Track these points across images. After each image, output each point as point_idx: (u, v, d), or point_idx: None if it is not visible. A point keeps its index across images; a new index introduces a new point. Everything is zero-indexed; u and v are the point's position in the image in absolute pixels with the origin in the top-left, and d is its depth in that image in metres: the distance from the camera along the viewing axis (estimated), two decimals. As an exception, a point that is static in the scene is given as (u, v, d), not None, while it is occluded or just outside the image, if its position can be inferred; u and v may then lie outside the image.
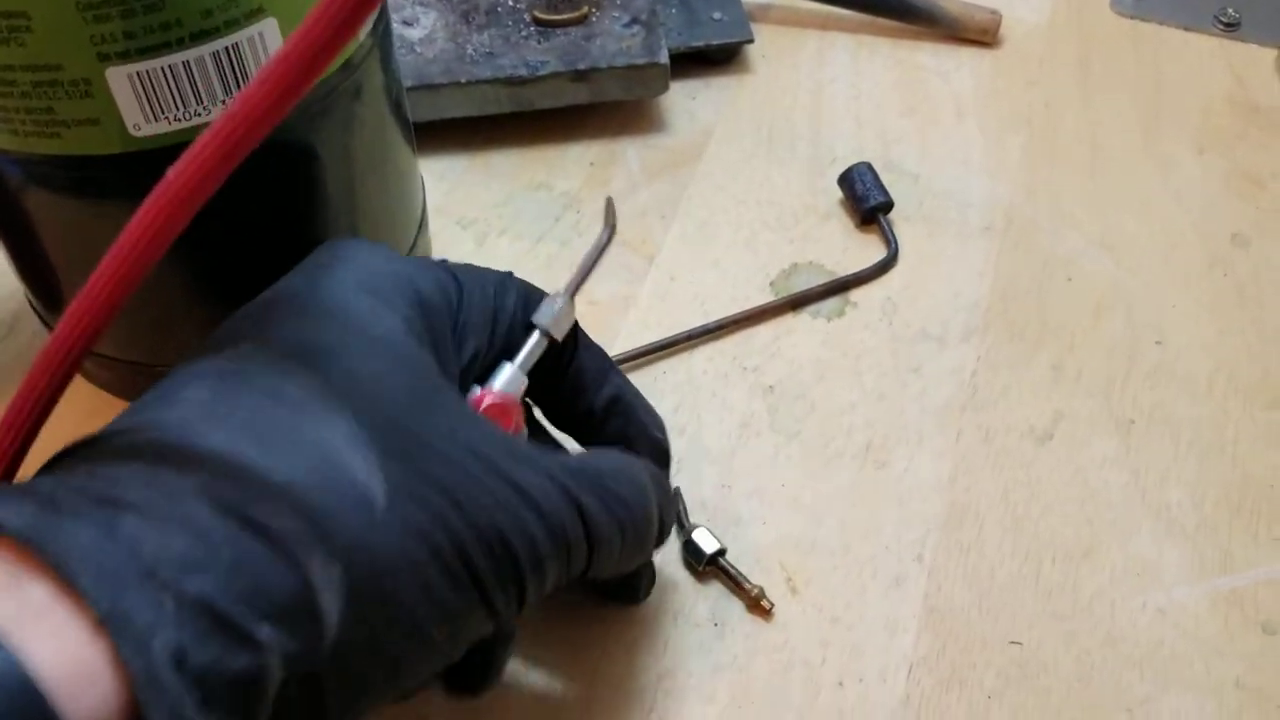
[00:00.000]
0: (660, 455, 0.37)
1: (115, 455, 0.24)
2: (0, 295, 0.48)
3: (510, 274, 0.35)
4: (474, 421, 0.29)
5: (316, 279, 0.30)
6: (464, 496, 0.27)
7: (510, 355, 0.33)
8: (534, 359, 0.34)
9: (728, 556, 0.39)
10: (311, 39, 0.21)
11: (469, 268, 0.34)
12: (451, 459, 0.27)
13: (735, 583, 0.39)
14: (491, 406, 0.32)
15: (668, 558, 0.40)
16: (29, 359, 0.45)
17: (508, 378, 0.33)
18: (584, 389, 0.36)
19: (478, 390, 0.32)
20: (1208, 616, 0.39)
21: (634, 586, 0.37)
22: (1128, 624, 0.38)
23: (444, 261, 0.34)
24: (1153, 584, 0.40)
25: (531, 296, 0.35)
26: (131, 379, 0.42)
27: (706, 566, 0.39)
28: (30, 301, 0.43)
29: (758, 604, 0.38)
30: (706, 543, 0.39)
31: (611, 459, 0.32)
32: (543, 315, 0.34)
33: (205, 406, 0.25)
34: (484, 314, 0.33)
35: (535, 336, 0.34)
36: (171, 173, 0.23)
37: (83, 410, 0.44)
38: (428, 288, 0.31)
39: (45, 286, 0.40)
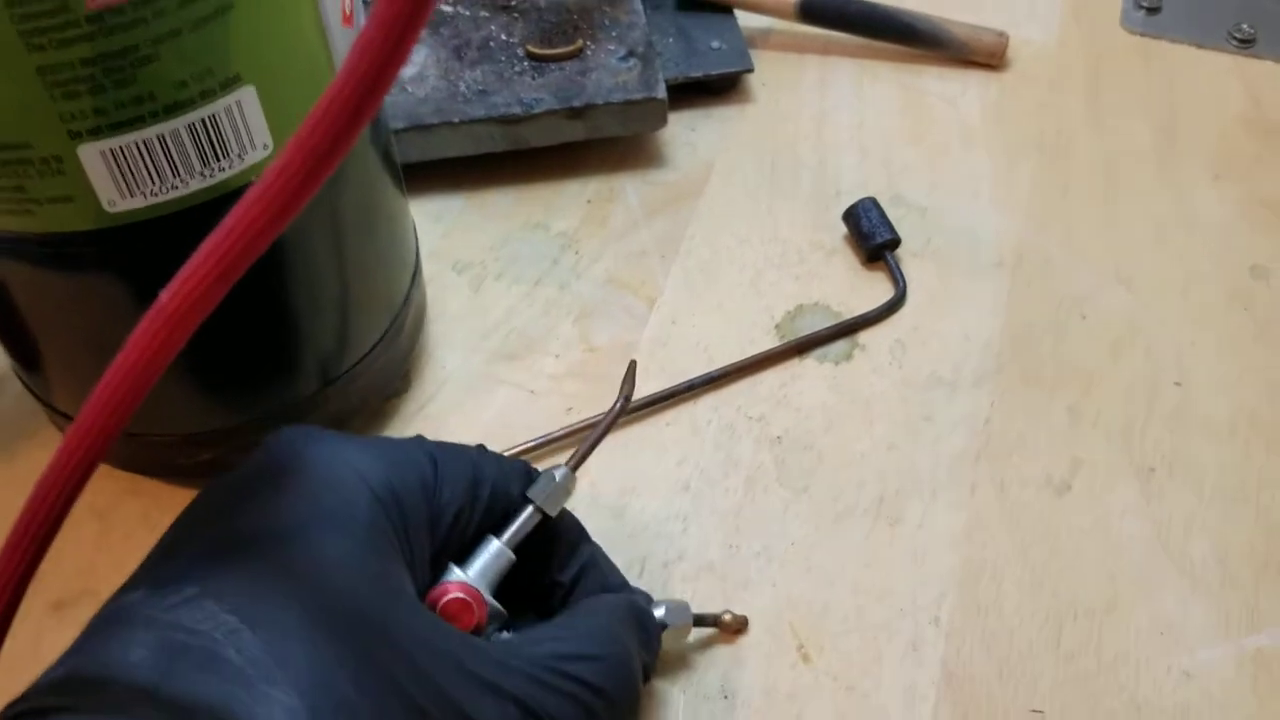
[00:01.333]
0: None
1: None
2: (-16, 353, 0.47)
3: (481, 446, 0.34)
4: (428, 639, 0.28)
5: (297, 475, 0.29)
6: None
7: (499, 529, 0.33)
8: (523, 533, 0.33)
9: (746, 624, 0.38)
10: (311, 145, 0.20)
11: (443, 444, 0.33)
12: (400, 688, 0.26)
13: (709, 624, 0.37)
14: (452, 602, 0.31)
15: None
16: (12, 421, 0.45)
17: (487, 560, 0.32)
18: (553, 557, 0.35)
19: (451, 574, 0.31)
20: (1234, 679, 0.37)
21: None
22: (1152, 689, 0.37)
23: (418, 440, 0.33)
24: (1177, 644, 0.38)
25: (503, 463, 0.34)
26: (118, 447, 0.40)
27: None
28: (13, 366, 0.42)
29: (728, 627, 0.38)
30: (656, 609, 0.36)
31: (579, 628, 0.31)
32: (539, 490, 0.33)
33: (142, 674, 0.25)
34: (463, 486, 0.32)
35: (528, 511, 0.33)
36: (164, 295, 0.21)
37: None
38: (402, 476, 0.31)
39: (26, 355, 0.38)
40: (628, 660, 0.31)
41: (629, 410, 0.44)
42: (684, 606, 0.36)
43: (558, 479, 0.33)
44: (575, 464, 0.34)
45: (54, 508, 0.23)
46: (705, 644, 0.38)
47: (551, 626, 0.31)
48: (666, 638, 0.36)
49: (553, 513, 0.33)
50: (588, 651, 0.30)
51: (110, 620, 0.27)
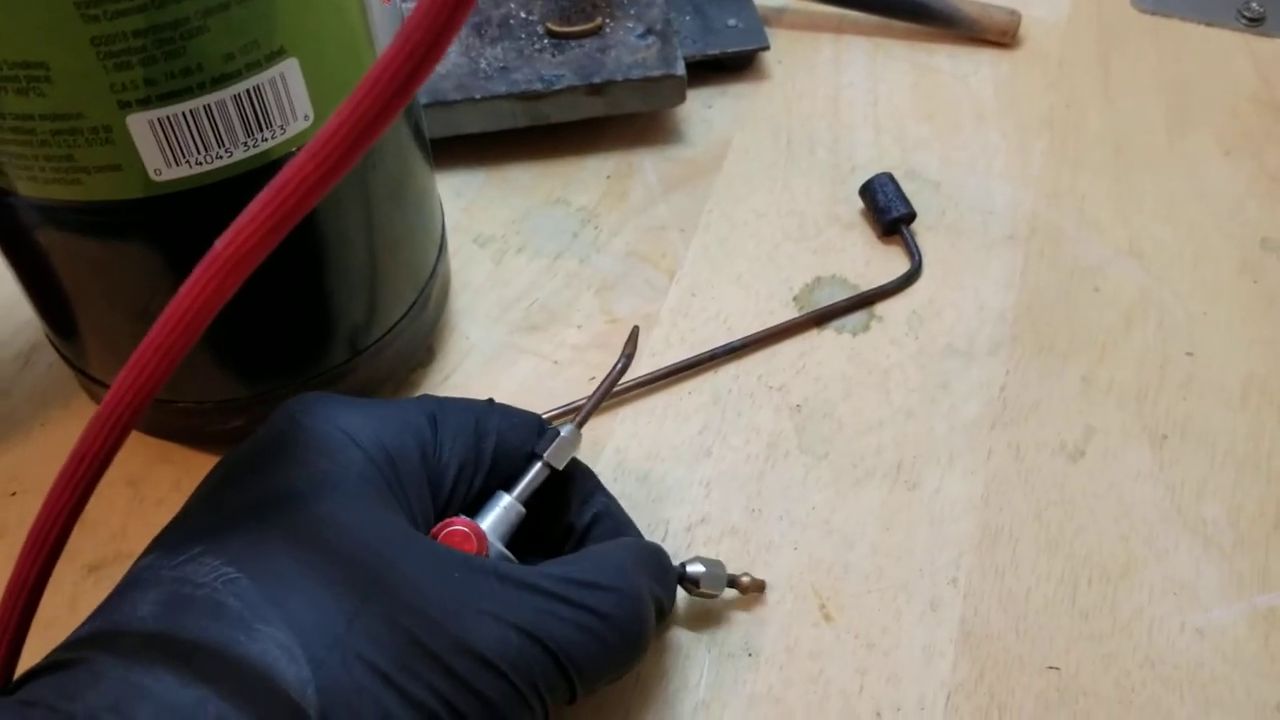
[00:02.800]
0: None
1: (68, 689, 0.26)
2: (17, 325, 0.48)
3: (491, 400, 0.36)
4: (424, 572, 0.29)
5: (292, 440, 0.31)
6: (408, 679, 0.27)
7: (509, 485, 0.34)
8: (533, 488, 0.34)
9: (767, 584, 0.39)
10: (366, 106, 0.20)
11: (446, 400, 0.35)
12: (395, 621, 0.27)
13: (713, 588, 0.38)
14: (453, 533, 0.32)
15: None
16: (46, 389, 0.46)
17: (497, 514, 0.33)
18: (567, 507, 0.36)
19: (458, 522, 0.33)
20: (1247, 637, 0.38)
21: None
22: (1166, 646, 0.38)
23: (421, 400, 0.34)
24: (1190, 604, 0.39)
25: (511, 416, 0.35)
26: (151, 413, 0.41)
27: (689, 584, 0.38)
28: (48, 335, 0.43)
29: (746, 589, 0.38)
30: (693, 566, 0.37)
31: (591, 559, 0.32)
32: (545, 445, 0.35)
33: (150, 627, 0.27)
34: (465, 441, 0.33)
35: (537, 466, 0.34)
36: (220, 243, 0.22)
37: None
38: (396, 436, 0.32)
39: (64, 323, 0.39)
40: (640, 596, 0.32)
41: (654, 379, 0.45)
42: (719, 566, 0.38)
43: (563, 434, 0.35)
44: (581, 420, 0.36)
45: (106, 444, 0.24)
46: (729, 604, 0.39)
47: (563, 559, 0.32)
48: (700, 595, 0.37)
49: (559, 466, 0.35)
50: (599, 580, 0.31)
51: (126, 584, 0.29)
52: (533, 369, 0.46)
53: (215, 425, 0.41)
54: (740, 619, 0.39)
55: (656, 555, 0.35)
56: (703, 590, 0.37)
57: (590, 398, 0.37)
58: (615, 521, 0.36)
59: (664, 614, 0.34)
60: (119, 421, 0.26)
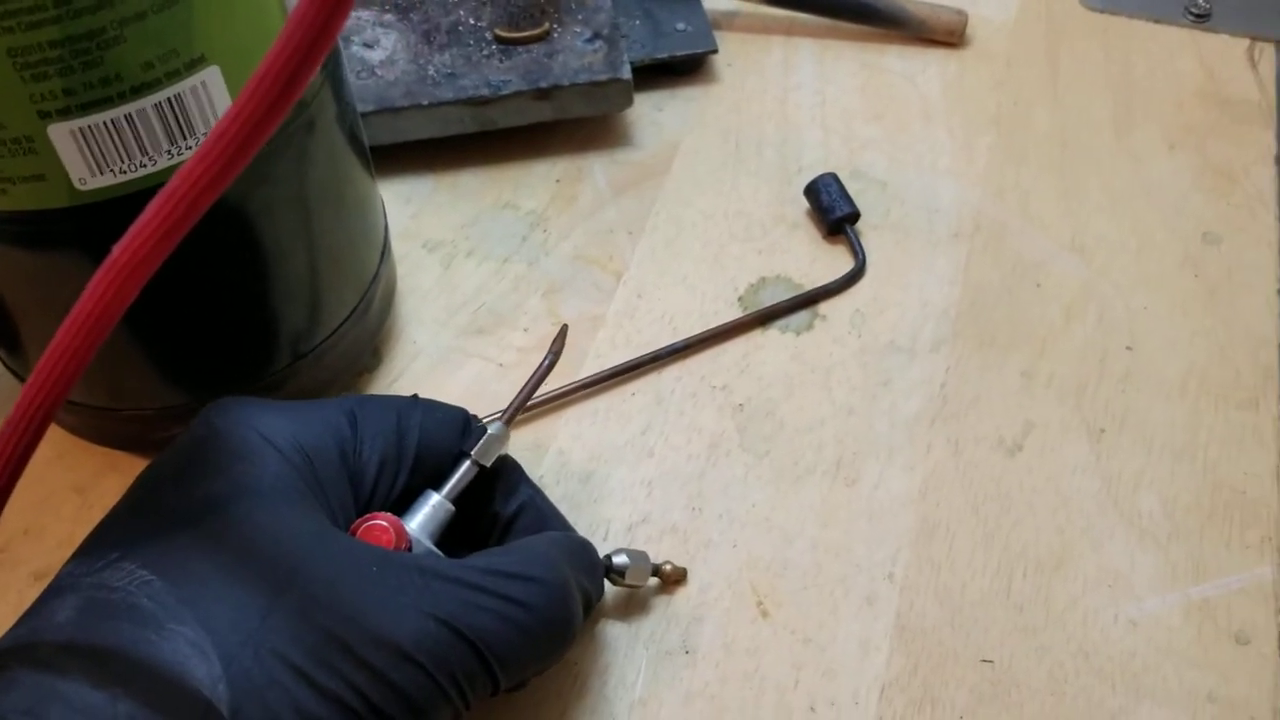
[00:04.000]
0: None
1: None
2: (-33, 336, 0.48)
3: (415, 396, 0.36)
4: (341, 567, 0.29)
5: (207, 444, 0.32)
6: (322, 672, 0.27)
7: (438, 483, 0.34)
8: (461, 486, 0.35)
9: (700, 578, 0.39)
10: (250, 110, 0.21)
11: (367, 398, 0.35)
12: (310, 617, 0.28)
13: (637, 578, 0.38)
14: (372, 528, 0.32)
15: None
16: (-2, 398, 0.46)
17: (427, 512, 0.34)
18: (492, 498, 0.36)
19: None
20: (1180, 627, 0.39)
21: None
22: (1100, 636, 0.39)
23: (342, 399, 0.35)
24: (1124, 595, 0.40)
25: (434, 411, 0.35)
26: (96, 422, 0.42)
27: (614, 575, 0.38)
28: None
29: (668, 578, 0.39)
30: (617, 557, 0.38)
31: (516, 551, 0.32)
32: (473, 443, 0.35)
33: (66, 632, 0.27)
34: (387, 439, 0.34)
35: (465, 465, 0.35)
36: (116, 249, 0.23)
37: (53, 452, 0.44)
38: (314, 435, 0.32)
39: (3, 332, 0.40)
40: (565, 586, 0.32)
41: (598, 381, 0.45)
42: (644, 557, 0.38)
43: (491, 432, 0.35)
44: (508, 417, 0.37)
45: (13, 455, 0.25)
46: (667, 601, 0.39)
47: (488, 552, 0.32)
48: (625, 586, 0.38)
49: (488, 464, 0.35)
50: (523, 571, 0.31)
51: (48, 592, 0.29)
52: (478, 372, 0.46)
53: (159, 432, 0.41)
54: (678, 616, 0.39)
55: (583, 547, 0.35)
56: (628, 581, 0.38)
57: (518, 395, 0.37)
58: (539, 512, 0.36)
59: (591, 606, 0.35)
60: (28, 429, 0.26)
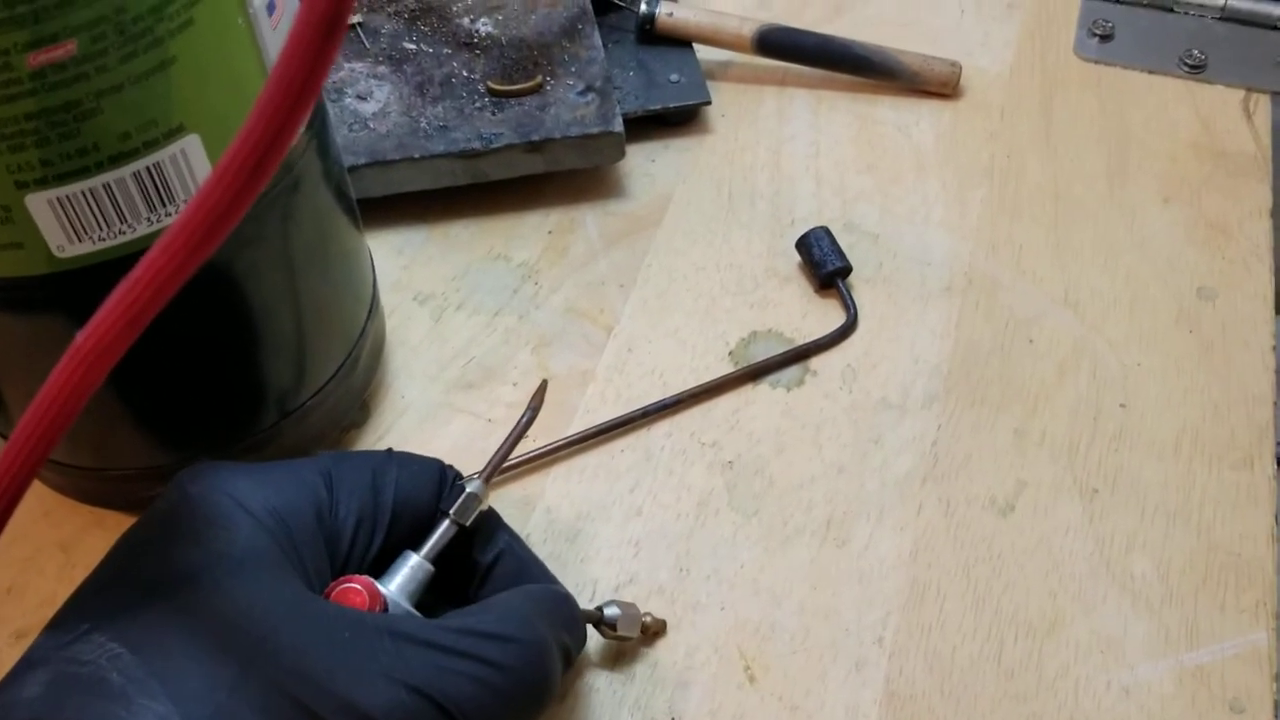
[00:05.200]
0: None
1: None
2: (-45, 390, 0.48)
3: (390, 450, 0.36)
4: (313, 636, 0.29)
5: (179, 511, 0.31)
6: None
7: (416, 542, 0.34)
8: (440, 545, 0.34)
9: (688, 641, 0.39)
10: (211, 203, 0.21)
11: (343, 456, 0.35)
12: (281, 688, 0.28)
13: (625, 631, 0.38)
14: (345, 590, 0.32)
15: (626, 650, 0.39)
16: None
17: (406, 573, 0.33)
18: (470, 547, 0.36)
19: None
20: (1174, 695, 0.38)
21: None
22: (1092, 706, 0.38)
23: (318, 458, 0.35)
24: (1117, 661, 0.39)
25: (409, 465, 0.35)
26: (81, 482, 0.41)
27: (605, 628, 0.38)
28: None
29: (647, 629, 0.39)
30: (609, 609, 0.38)
31: (494, 609, 0.32)
32: (451, 502, 0.35)
33: (36, 708, 0.27)
34: (362, 496, 0.34)
35: (444, 525, 0.35)
36: (80, 336, 0.23)
37: (39, 510, 0.44)
38: (288, 498, 0.32)
39: (-12, 393, 0.39)
40: (542, 645, 0.31)
41: (586, 437, 0.45)
42: (634, 608, 0.38)
43: (469, 490, 0.35)
44: (487, 475, 0.36)
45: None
46: (652, 665, 0.39)
47: (464, 611, 0.32)
48: (615, 638, 0.38)
49: (466, 523, 0.35)
50: (498, 631, 0.31)
51: (20, 664, 0.29)
52: (467, 428, 0.46)
53: (145, 491, 0.41)
54: (664, 681, 0.39)
55: (563, 601, 0.35)
56: (619, 633, 0.38)
57: (497, 451, 0.37)
58: (518, 559, 0.36)
59: (571, 660, 0.34)
60: (7, 491, 0.26)
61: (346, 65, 0.55)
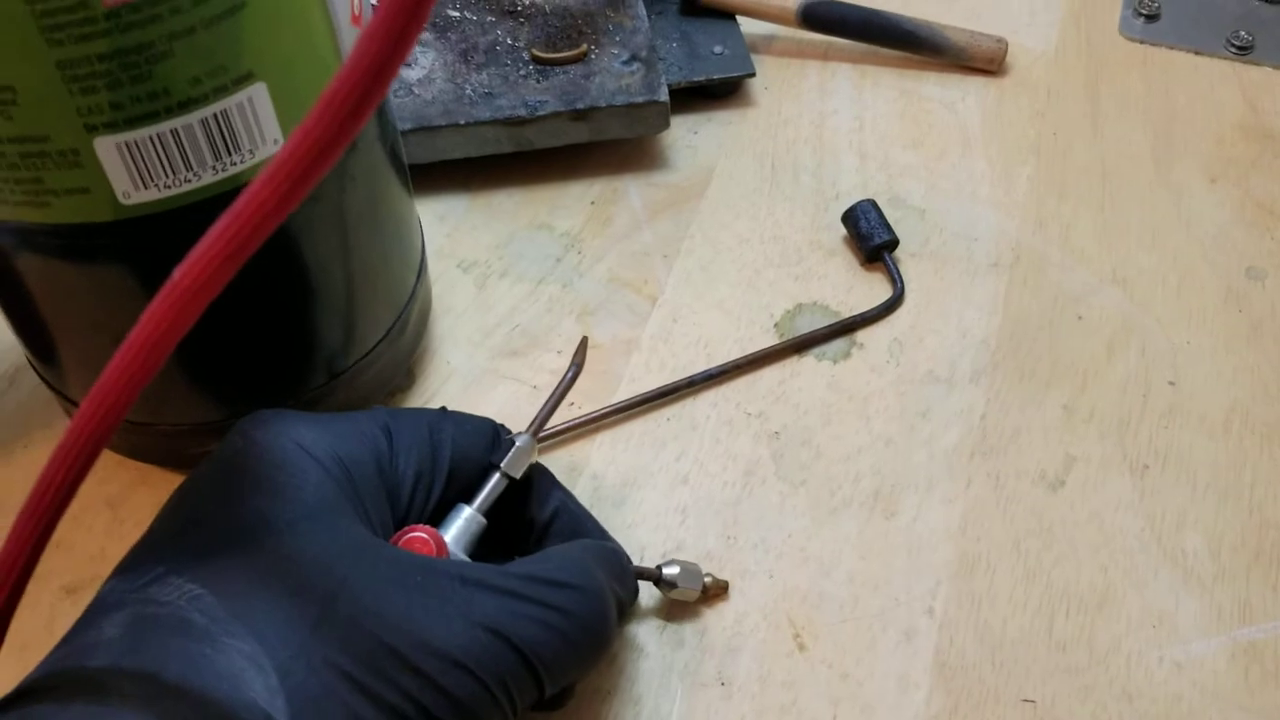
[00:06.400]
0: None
1: (39, 718, 0.26)
2: (2, 349, 0.48)
3: (444, 408, 0.36)
4: (389, 578, 0.29)
5: (247, 456, 0.31)
6: (375, 680, 0.27)
7: (469, 495, 0.34)
8: (493, 498, 0.35)
9: (736, 608, 0.39)
10: (318, 132, 0.21)
11: (398, 411, 0.35)
12: (361, 627, 0.27)
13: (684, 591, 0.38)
14: (413, 540, 0.32)
15: (675, 613, 0.39)
16: (30, 411, 0.46)
17: (460, 525, 0.34)
18: (526, 501, 0.36)
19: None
20: (1226, 671, 0.38)
21: (554, 696, 0.35)
22: (1144, 679, 0.38)
23: (374, 412, 0.35)
24: (1169, 636, 0.39)
25: (464, 423, 0.36)
26: (131, 437, 0.41)
27: (665, 586, 0.38)
28: (28, 357, 0.43)
29: (708, 591, 0.39)
30: (669, 568, 0.38)
31: (553, 558, 0.32)
32: (502, 456, 0.35)
33: (117, 649, 0.27)
34: (421, 451, 0.34)
35: (495, 477, 0.35)
36: (178, 272, 0.22)
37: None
38: (351, 448, 0.32)
39: (42, 346, 0.39)
40: (602, 594, 0.32)
41: (632, 405, 0.45)
42: (695, 566, 0.38)
43: (519, 444, 0.35)
44: (535, 429, 0.37)
45: (70, 474, 0.24)
46: (702, 632, 0.39)
47: (525, 560, 0.32)
48: (677, 597, 0.38)
49: (517, 475, 0.35)
50: (561, 578, 0.31)
51: (92, 609, 0.29)
52: (512, 394, 0.46)
53: (193, 448, 0.41)
54: (714, 648, 0.38)
55: (615, 554, 0.35)
56: (680, 590, 0.38)
57: (543, 406, 0.37)
58: (573, 516, 0.36)
59: (624, 612, 0.34)
60: (82, 451, 0.26)
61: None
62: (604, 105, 0.52)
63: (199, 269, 0.22)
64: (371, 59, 0.19)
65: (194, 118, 0.31)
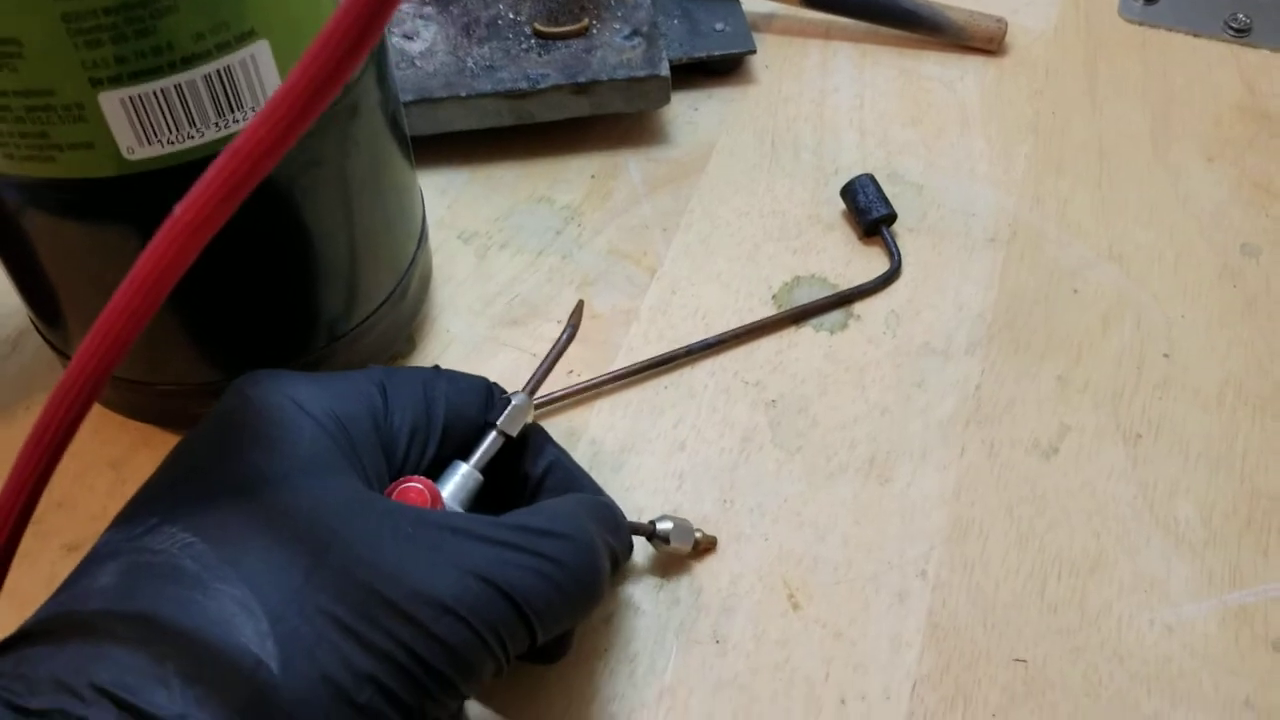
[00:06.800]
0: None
1: (31, 658, 0.26)
2: (2, 314, 0.48)
3: (437, 366, 0.37)
4: (381, 527, 0.29)
5: (243, 413, 0.32)
6: (367, 627, 0.27)
7: (465, 453, 0.35)
8: (489, 456, 0.35)
9: (731, 569, 0.39)
10: (314, 71, 0.21)
11: (393, 370, 0.36)
12: (353, 575, 0.28)
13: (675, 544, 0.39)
14: (408, 490, 0.32)
15: (671, 573, 0.39)
16: (33, 374, 0.46)
17: (457, 481, 0.34)
18: (521, 457, 0.37)
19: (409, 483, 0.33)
20: (1216, 634, 0.38)
21: (551, 647, 0.35)
22: (1135, 641, 0.38)
23: (369, 370, 0.35)
24: (1161, 600, 0.39)
25: (458, 380, 0.36)
26: (133, 397, 0.42)
27: (658, 540, 0.39)
28: (33, 320, 0.44)
29: (698, 546, 0.39)
30: (662, 524, 0.39)
31: (545, 510, 0.32)
32: (498, 414, 0.36)
33: (111, 595, 0.27)
34: (416, 408, 0.34)
35: (491, 435, 0.35)
36: (179, 208, 0.23)
37: (88, 427, 0.44)
38: (346, 405, 0.33)
39: (46, 305, 0.40)
40: (594, 545, 0.32)
41: (631, 373, 0.45)
42: (686, 522, 0.39)
43: (515, 402, 0.36)
44: (531, 389, 0.37)
45: (71, 411, 0.25)
46: (697, 591, 0.39)
47: (518, 511, 0.32)
48: (670, 551, 0.39)
49: (513, 433, 0.36)
50: (552, 529, 0.31)
51: (87, 559, 0.29)
52: (512, 361, 0.46)
53: (195, 408, 0.41)
54: (709, 607, 0.39)
55: (609, 508, 0.35)
56: (672, 546, 0.38)
57: (539, 366, 0.38)
58: (567, 472, 0.37)
59: (618, 564, 0.35)
60: (83, 390, 0.26)
61: (394, 6, 0.55)
62: (605, 79, 0.52)
63: (199, 205, 0.22)
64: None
65: (197, 74, 0.31)
